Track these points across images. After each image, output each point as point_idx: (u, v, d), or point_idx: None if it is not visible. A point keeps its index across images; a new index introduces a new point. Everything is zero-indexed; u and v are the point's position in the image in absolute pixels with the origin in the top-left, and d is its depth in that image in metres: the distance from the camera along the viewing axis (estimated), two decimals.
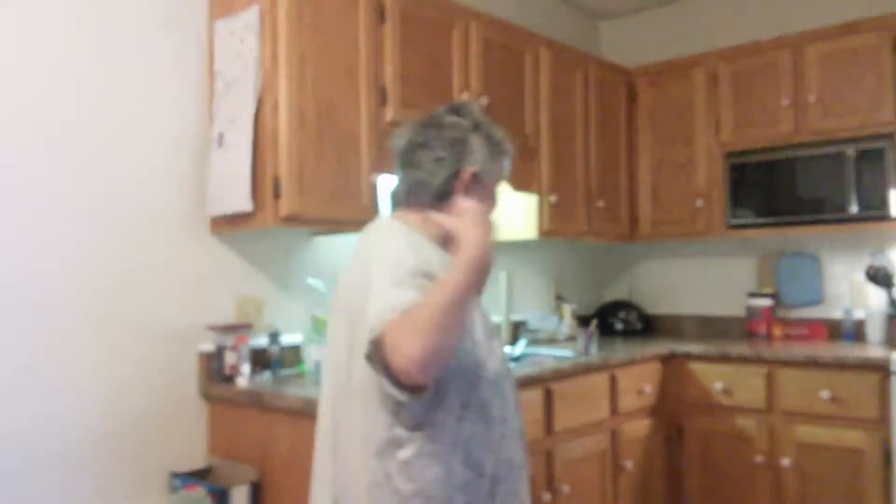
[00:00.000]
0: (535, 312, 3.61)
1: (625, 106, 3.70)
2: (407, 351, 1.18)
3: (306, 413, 1.98)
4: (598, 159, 3.49)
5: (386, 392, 1.29)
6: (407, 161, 1.54)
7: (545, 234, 3.17)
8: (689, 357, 3.21)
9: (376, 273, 1.33)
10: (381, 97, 2.47)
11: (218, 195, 2.28)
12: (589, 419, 2.72)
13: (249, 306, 2.46)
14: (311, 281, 2.56)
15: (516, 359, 2.97)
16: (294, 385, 2.24)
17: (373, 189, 2.43)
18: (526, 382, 2.44)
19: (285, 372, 2.46)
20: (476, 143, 1.53)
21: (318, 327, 2.42)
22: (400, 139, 1.56)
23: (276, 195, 2.18)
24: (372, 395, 1.35)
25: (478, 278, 1.29)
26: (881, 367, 2.73)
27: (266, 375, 2.37)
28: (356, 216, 2.36)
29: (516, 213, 3.22)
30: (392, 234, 1.46)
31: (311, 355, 2.40)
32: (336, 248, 2.76)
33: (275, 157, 2.19)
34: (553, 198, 3.16)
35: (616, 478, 2.85)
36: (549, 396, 2.54)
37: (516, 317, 3.48)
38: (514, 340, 3.28)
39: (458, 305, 1.23)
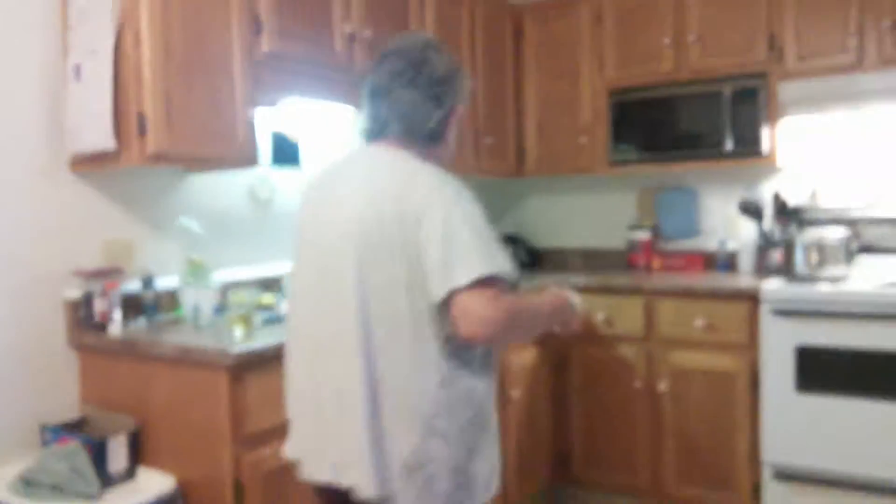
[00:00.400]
0: None
1: (511, 43, 3.67)
2: (487, 329, 1.36)
3: (184, 361, 1.92)
4: (486, 96, 3.47)
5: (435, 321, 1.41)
6: (385, 92, 1.53)
7: None
8: (573, 289, 3.29)
9: (450, 221, 1.39)
10: (256, 26, 2.33)
11: (77, 132, 2.12)
12: None
13: (118, 250, 2.32)
14: (184, 221, 2.44)
15: None
16: (171, 331, 2.15)
17: (249, 125, 2.31)
18: None
19: (161, 317, 2.35)
20: (463, 81, 1.58)
21: (193, 270, 2.32)
22: (376, 69, 1.55)
23: (142, 132, 2.03)
24: (427, 319, 1.41)
25: (556, 321, 1.69)
26: (751, 297, 2.89)
27: (140, 322, 2.27)
28: (231, 154, 2.27)
29: None
30: (431, 172, 1.47)
31: (188, 299, 2.30)
32: (212, 186, 2.64)
33: (139, 91, 2.04)
34: None
35: (504, 406, 2.93)
36: None
37: None
38: None
39: (538, 327, 1.63)
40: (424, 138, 1.54)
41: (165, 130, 2.06)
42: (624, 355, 3.16)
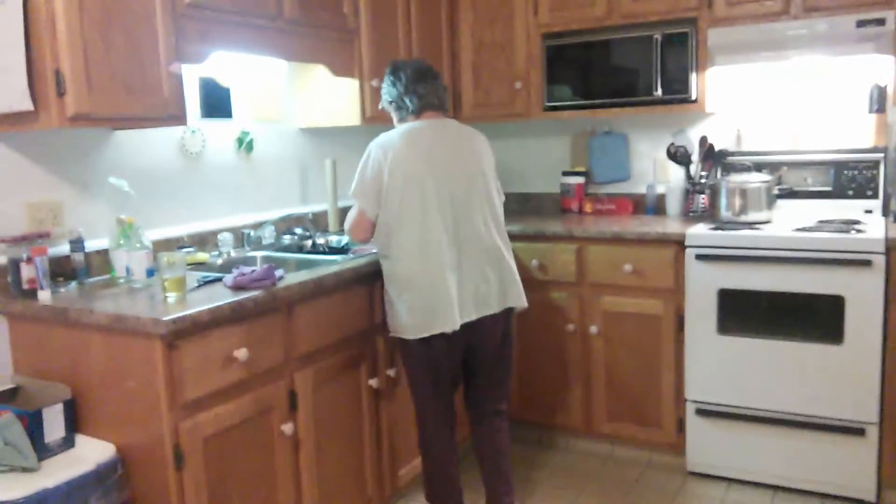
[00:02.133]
0: None
1: None
2: None
3: (118, 328, 1.89)
4: (420, 41, 3.41)
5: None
6: (435, 77, 2.49)
7: (368, 120, 3.11)
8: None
9: (493, 171, 2.54)
10: None
11: None
12: None
13: (44, 213, 2.24)
14: (113, 181, 2.36)
15: (344, 247, 2.97)
16: (103, 296, 2.10)
17: (175, 80, 2.23)
18: (358, 279, 2.46)
19: (93, 280, 2.30)
20: None
21: (124, 231, 2.26)
22: (415, 60, 2.60)
23: (61, 92, 1.93)
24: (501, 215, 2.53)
25: None
26: (677, 242, 2.99)
27: (71, 287, 2.21)
28: (157, 111, 2.19)
29: (338, 97, 3.11)
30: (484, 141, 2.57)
31: (119, 261, 2.25)
32: (139, 142, 2.55)
33: (54, 47, 1.93)
34: (375, 82, 3.07)
35: None
36: (374, 285, 2.58)
37: (343, 203, 3.44)
38: (341, 227, 3.26)
39: None
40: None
41: (85, 89, 1.97)
42: (557, 300, 3.26)
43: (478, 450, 2.63)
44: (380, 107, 2.63)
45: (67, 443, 1.97)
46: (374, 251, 2.53)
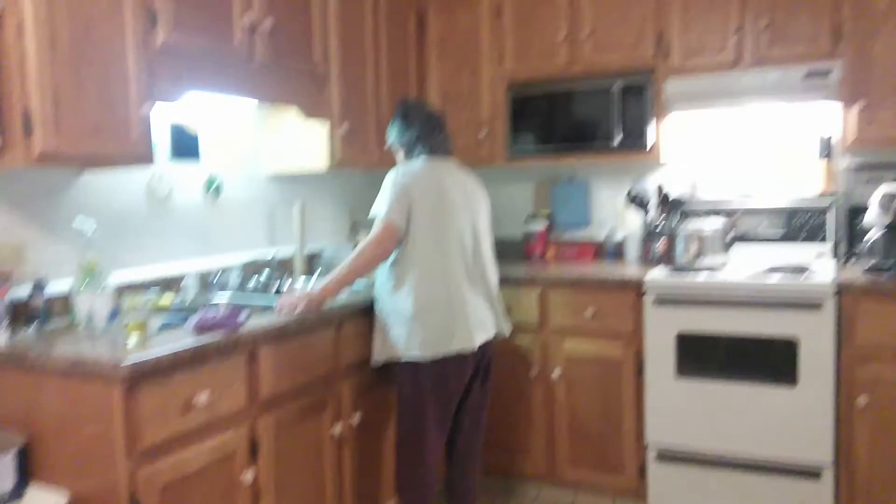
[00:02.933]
0: (330, 242, 3.60)
1: (414, 34, 3.68)
2: None
3: (76, 373, 1.85)
4: (389, 88, 3.47)
5: None
6: (443, 127, 2.73)
7: (337, 164, 3.13)
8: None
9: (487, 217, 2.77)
10: (150, 17, 2.24)
11: None
12: None
13: (6, 253, 2.20)
14: (79, 223, 2.34)
15: None
16: (63, 340, 2.05)
17: (144, 121, 2.23)
18: (322, 323, 2.46)
19: (54, 324, 2.26)
20: None
21: (87, 273, 2.23)
22: (424, 106, 2.76)
23: (28, 131, 1.93)
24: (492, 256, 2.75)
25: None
26: (636, 286, 3.06)
27: (30, 330, 2.16)
28: (125, 151, 2.18)
29: (307, 143, 3.14)
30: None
31: (81, 305, 2.21)
32: (107, 184, 2.53)
33: (23, 86, 1.92)
34: (345, 127, 3.12)
35: None
36: (339, 329, 2.58)
37: (312, 248, 3.45)
38: (310, 272, 3.26)
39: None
40: None
41: (53, 129, 1.96)
42: (521, 344, 3.29)
43: (453, 490, 2.72)
44: (388, 146, 2.83)
45: (17, 493, 1.90)
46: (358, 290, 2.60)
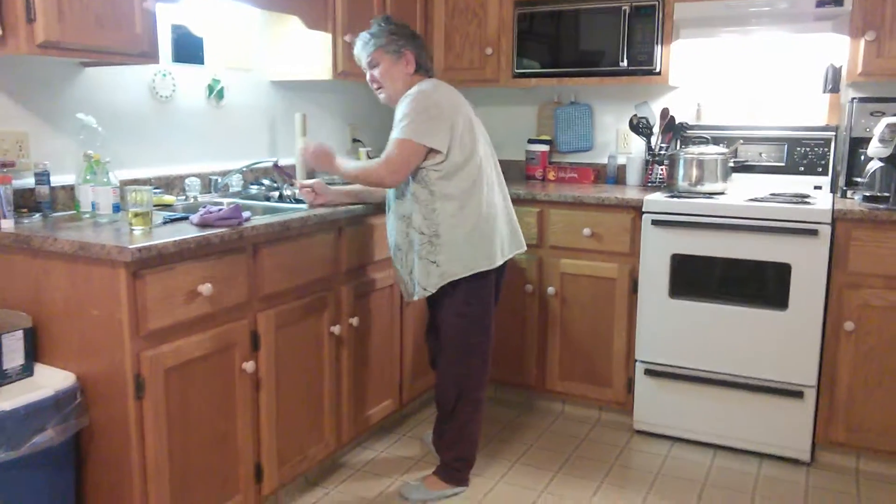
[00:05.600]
0: None
1: None
2: None
3: (82, 256, 1.90)
4: (394, 3, 3.42)
5: None
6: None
7: (340, 74, 3.12)
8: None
9: None
10: None
11: None
12: (384, 255, 2.86)
13: (9, 143, 2.22)
14: (81, 116, 2.35)
15: None
16: (68, 228, 2.10)
17: (149, 17, 2.22)
18: (323, 226, 2.50)
19: (58, 214, 2.30)
20: None
21: (91, 167, 2.26)
22: (406, 28, 2.60)
23: (30, 18, 1.93)
24: None
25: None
26: (635, 208, 3.09)
27: (35, 218, 2.21)
28: (128, 46, 2.18)
29: (310, 52, 3.12)
30: None
31: (86, 196, 2.25)
32: (110, 81, 2.54)
33: None
34: (348, 37, 3.09)
35: (403, 310, 3.06)
36: (340, 234, 2.62)
37: None
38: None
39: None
40: None
41: (56, 17, 1.96)
42: (518, 261, 3.34)
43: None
44: (394, 55, 2.51)
45: (26, 370, 1.98)
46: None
